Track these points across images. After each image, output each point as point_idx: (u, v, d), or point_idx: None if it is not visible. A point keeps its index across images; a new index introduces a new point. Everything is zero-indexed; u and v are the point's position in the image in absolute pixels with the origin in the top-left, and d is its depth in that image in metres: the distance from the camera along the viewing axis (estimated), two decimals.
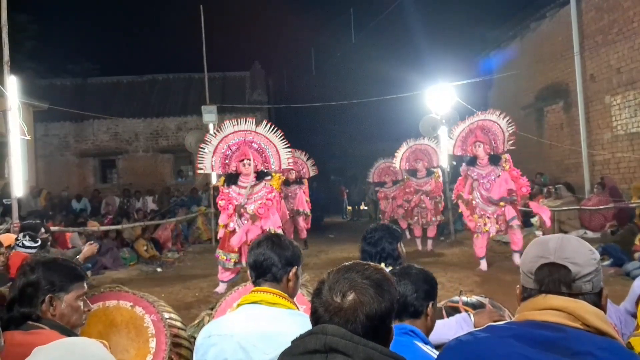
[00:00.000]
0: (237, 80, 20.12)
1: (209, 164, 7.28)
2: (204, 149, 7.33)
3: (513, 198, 8.04)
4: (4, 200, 10.12)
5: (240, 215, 7.20)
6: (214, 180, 13.30)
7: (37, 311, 1.98)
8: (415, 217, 11.14)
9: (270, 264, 2.11)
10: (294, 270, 2.15)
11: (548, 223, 8.62)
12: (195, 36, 13.14)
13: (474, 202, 8.31)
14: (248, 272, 2.23)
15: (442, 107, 11.33)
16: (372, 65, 21.46)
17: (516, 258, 7.97)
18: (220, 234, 7.35)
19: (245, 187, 7.14)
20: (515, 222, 8.01)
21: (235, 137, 7.25)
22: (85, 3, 28.03)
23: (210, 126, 12.72)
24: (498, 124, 8.30)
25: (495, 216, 8.13)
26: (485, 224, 8.15)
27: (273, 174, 7.26)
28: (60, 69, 20.55)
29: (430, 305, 2.15)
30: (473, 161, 8.36)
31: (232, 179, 7.22)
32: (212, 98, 13.77)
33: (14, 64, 7.04)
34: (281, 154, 7.23)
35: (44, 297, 2.00)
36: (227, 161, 7.27)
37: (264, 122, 7.52)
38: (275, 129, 7.29)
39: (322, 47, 25.59)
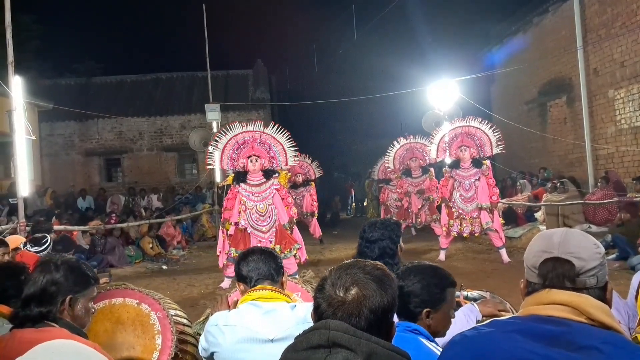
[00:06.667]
0: (240, 78, 20.14)
1: (217, 159, 7.46)
2: (213, 146, 7.52)
3: (493, 207, 8.63)
4: (10, 200, 10.18)
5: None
6: (217, 178, 13.37)
7: (56, 310, 1.98)
8: (409, 219, 11.17)
9: (269, 269, 2.34)
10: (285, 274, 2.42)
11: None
12: (198, 35, 13.14)
13: (451, 202, 8.84)
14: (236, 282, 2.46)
15: (444, 103, 11.30)
16: (375, 62, 21.42)
17: (503, 254, 8.54)
18: (231, 231, 7.39)
19: (254, 185, 7.31)
20: (490, 226, 8.53)
21: (244, 136, 7.43)
22: (89, 3, 28.08)
23: (214, 124, 12.75)
24: (482, 130, 8.78)
25: (470, 217, 8.68)
26: (460, 224, 8.73)
27: (279, 171, 7.40)
28: (64, 69, 20.67)
29: (424, 313, 2.00)
30: (456, 164, 8.86)
31: (240, 176, 7.34)
32: (215, 96, 13.79)
33: (19, 64, 7.05)
34: (287, 151, 7.44)
35: (64, 298, 2.01)
36: (235, 157, 7.43)
37: (271, 123, 7.75)
38: (282, 129, 7.49)
39: (324, 44, 25.60)
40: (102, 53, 25.09)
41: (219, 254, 7.65)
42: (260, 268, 2.30)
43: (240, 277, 2.36)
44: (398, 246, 3.07)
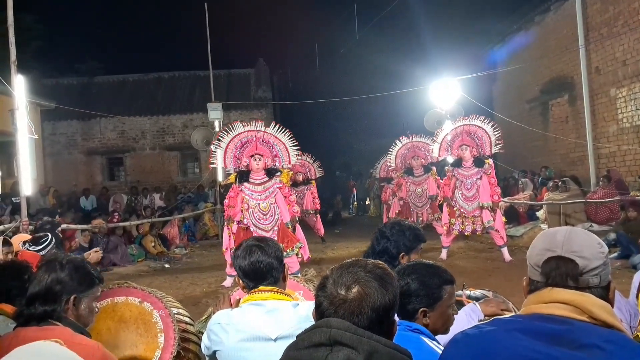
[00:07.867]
0: (242, 77, 20.17)
1: (220, 158, 7.46)
2: (216, 145, 7.53)
3: (495, 206, 8.64)
4: (13, 199, 10.21)
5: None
6: (220, 177, 13.40)
7: (60, 309, 1.99)
8: (411, 218, 11.15)
9: (270, 268, 2.25)
10: (287, 267, 2.35)
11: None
12: (200, 34, 13.21)
13: (453, 201, 8.89)
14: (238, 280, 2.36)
15: (446, 101, 11.30)
16: (376, 61, 21.41)
17: (505, 252, 8.53)
18: (234, 229, 7.39)
19: (257, 184, 7.33)
20: (492, 225, 8.54)
21: (247, 135, 7.45)
22: (91, 2, 28.11)
23: (216, 123, 12.78)
24: (483, 129, 8.81)
25: (472, 216, 8.72)
26: (462, 223, 8.77)
27: (282, 170, 7.43)
28: (66, 68, 20.77)
29: (420, 312, 1.99)
30: (458, 163, 8.91)
31: (243, 176, 7.35)
32: (217, 95, 13.81)
33: (21, 64, 7.09)
34: (289, 150, 7.47)
35: (69, 297, 2.02)
36: (238, 155, 7.45)
37: (272, 122, 7.82)
38: (284, 128, 7.53)
39: (326, 43, 25.60)
40: (104, 52, 25.24)
41: (225, 250, 7.67)
42: (259, 270, 2.25)
43: (239, 275, 2.35)
44: (401, 255, 3.00)
